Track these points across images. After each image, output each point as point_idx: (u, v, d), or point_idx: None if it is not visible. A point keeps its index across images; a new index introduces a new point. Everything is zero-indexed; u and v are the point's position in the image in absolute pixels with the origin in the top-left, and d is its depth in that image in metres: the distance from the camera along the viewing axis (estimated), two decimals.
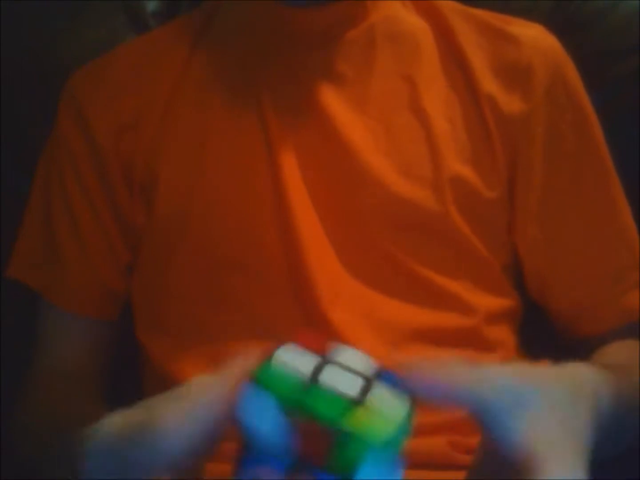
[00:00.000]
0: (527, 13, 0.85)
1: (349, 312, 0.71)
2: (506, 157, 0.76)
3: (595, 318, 0.79)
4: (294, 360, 0.42)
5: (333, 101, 0.74)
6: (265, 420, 0.41)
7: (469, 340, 0.73)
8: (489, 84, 0.76)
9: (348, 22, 0.76)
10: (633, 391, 0.66)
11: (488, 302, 0.76)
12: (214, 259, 0.74)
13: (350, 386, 0.42)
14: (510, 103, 0.76)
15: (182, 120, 0.77)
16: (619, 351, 0.76)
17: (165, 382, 0.73)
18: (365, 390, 0.42)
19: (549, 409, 0.48)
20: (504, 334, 0.77)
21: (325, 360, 0.43)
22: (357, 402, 0.41)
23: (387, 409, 0.42)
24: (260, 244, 0.73)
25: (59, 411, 0.73)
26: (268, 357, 0.43)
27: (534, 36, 0.78)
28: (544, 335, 0.82)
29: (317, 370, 0.42)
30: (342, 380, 0.42)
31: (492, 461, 0.49)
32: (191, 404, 0.48)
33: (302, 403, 0.40)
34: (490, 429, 0.48)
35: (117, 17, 0.98)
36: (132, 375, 0.81)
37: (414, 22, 0.78)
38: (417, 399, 0.44)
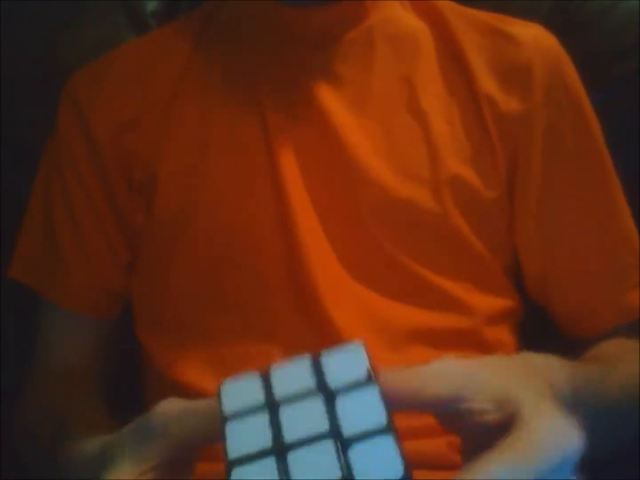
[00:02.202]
0: (527, 13, 0.85)
1: (349, 313, 0.71)
2: (505, 157, 0.76)
3: (595, 317, 0.79)
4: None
5: (332, 102, 0.74)
6: None
7: (469, 341, 0.73)
8: (488, 84, 0.76)
9: (347, 22, 0.76)
10: (606, 384, 0.66)
11: (488, 302, 0.76)
12: (213, 259, 0.74)
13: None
14: (510, 103, 0.76)
15: (182, 120, 0.77)
16: (607, 346, 0.76)
17: (165, 382, 0.74)
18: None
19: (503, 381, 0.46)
20: (504, 334, 0.77)
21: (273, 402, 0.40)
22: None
23: None
24: (260, 244, 0.73)
25: (59, 411, 0.73)
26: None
27: (533, 36, 0.78)
28: (544, 335, 0.82)
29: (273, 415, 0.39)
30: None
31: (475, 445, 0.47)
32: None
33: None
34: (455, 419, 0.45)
35: (116, 16, 0.98)
36: (132, 375, 0.81)
37: (413, 23, 0.78)
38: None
